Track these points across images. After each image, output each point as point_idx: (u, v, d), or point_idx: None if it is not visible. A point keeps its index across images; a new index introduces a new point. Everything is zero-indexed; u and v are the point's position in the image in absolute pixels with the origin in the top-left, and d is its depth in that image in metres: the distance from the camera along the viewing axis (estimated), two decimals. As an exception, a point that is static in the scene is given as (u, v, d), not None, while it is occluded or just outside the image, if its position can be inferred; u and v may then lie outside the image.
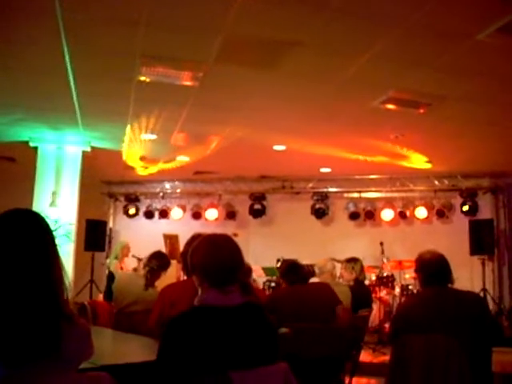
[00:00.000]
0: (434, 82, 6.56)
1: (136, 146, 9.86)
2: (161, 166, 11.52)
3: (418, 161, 10.83)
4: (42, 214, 2.17)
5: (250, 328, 2.54)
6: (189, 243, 4.11)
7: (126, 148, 10.01)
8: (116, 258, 9.96)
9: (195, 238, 3.90)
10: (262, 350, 2.52)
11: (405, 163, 10.93)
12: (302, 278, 5.74)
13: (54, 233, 2.14)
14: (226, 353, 2.42)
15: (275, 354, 2.54)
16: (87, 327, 2.11)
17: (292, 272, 5.76)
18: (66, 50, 5.76)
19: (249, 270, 6.56)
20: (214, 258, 2.60)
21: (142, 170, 11.92)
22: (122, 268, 9.65)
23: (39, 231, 2.08)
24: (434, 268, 4.05)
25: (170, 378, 2.39)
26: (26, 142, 9.67)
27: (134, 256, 9.64)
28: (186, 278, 4.39)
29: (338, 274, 8.39)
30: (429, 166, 11.19)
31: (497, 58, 5.78)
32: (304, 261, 8.27)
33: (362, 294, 7.51)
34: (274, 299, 5.75)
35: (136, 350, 4.22)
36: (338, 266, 8.67)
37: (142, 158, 10.97)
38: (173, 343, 2.44)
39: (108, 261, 11.68)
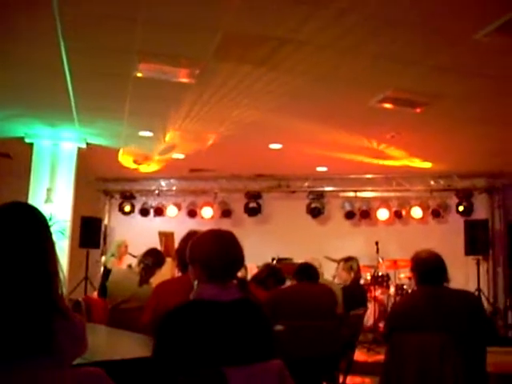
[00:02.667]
0: (431, 81, 6.55)
1: (132, 143, 9.85)
2: (156, 164, 11.49)
3: (415, 160, 10.84)
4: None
5: (246, 324, 2.53)
6: (184, 240, 4.11)
7: (122, 145, 9.99)
8: (113, 255, 9.93)
9: (191, 235, 3.92)
10: (257, 346, 2.51)
11: (402, 162, 10.93)
12: (310, 277, 5.77)
13: (50, 227, 2.13)
14: (220, 348, 2.41)
15: (270, 351, 2.54)
16: (82, 322, 2.10)
17: (302, 271, 5.82)
18: (62, 46, 5.74)
19: (244, 268, 6.59)
20: (216, 251, 2.60)
21: (141, 168, 11.90)
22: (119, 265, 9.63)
23: (35, 225, 2.06)
24: (429, 267, 4.05)
25: (165, 373, 2.38)
26: (22, 138, 9.64)
27: (129, 253, 9.63)
28: (180, 275, 4.38)
29: (332, 273, 8.43)
30: (428, 164, 11.19)
31: (494, 57, 5.77)
32: (299, 260, 8.30)
33: (357, 292, 7.53)
34: (276, 295, 5.78)
35: (130, 346, 4.21)
36: (329, 264, 8.70)
37: (136, 160, 10.97)
38: (168, 337, 2.44)
39: (103, 258, 11.67)
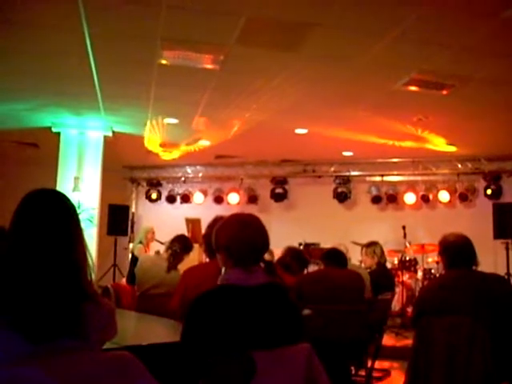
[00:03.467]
0: (458, 63, 6.45)
1: (158, 130, 9.88)
2: (183, 148, 11.53)
3: (441, 144, 10.72)
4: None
5: (273, 308, 2.53)
6: (211, 226, 4.12)
7: (148, 133, 10.04)
8: (140, 242, 10.00)
9: (217, 221, 3.91)
10: (284, 330, 2.51)
11: (429, 146, 10.83)
12: (339, 262, 5.78)
13: (78, 213, 2.15)
14: (248, 332, 2.42)
15: (298, 335, 2.53)
16: (111, 307, 2.12)
17: (331, 256, 5.83)
18: (86, 33, 5.77)
19: (271, 254, 6.60)
20: (240, 236, 2.59)
21: (164, 155, 11.95)
22: (147, 252, 9.70)
23: (64, 211, 2.08)
24: (458, 250, 4.00)
25: (194, 357, 2.39)
26: (49, 128, 9.74)
27: (156, 240, 9.70)
28: (208, 260, 4.40)
29: (359, 259, 8.42)
30: (453, 148, 11.07)
31: (523, 38, 5.67)
32: (326, 245, 8.29)
33: (384, 277, 7.50)
34: (304, 279, 5.79)
35: (159, 331, 4.24)
36: (356, 249, 8.68)
37: (163, 143, 10.99)
38: (197, 321, 2.45)
39: (131, 245, 11.77)
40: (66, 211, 2.09)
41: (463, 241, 4.05)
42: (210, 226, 4.14)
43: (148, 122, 9.32)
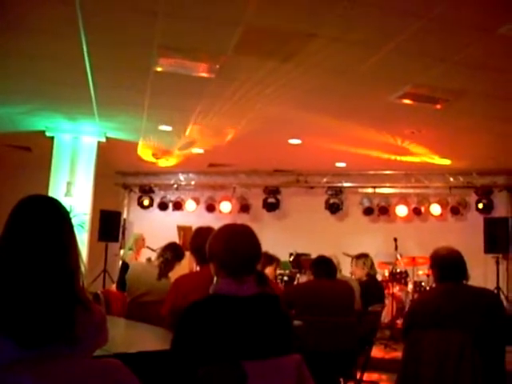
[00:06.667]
0: (453, 77, 6.49)
1: (151, 138, 9.88)
2: (175, 158, 11.53)
3: (434, 157, 10.77)
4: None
5: (264, 318, 2.53)
6: (197, 235, 4.23)
7: (141, 140, 10.04)
8: (130, 249, 9.98)
9: (200, 231, 4.10)
10: (275, 340, 2.51)
11: (425, 159, 10.86)
12: (329, 273, 5.76)
13: (71, 219, 2.15)
14: (239, 342, 2.42)
15: (289, 346, 2.54)
16: (103, 314, 2.12)
17: (321, 266, 5.81)
18: (83, 39, 5.77)
19: (274, 260, 6.61)
20: (232, 247, 2.59)
21: (160, 162, 11.94)
22: (137, 259, 9.67)
23: (57, 217, 2.08)
24: (449, 264, 4.02)
25: (184, 366, 2.39)
26: (43, 132, 9.72)
27: (147, 247, 9.67)
28: (198, 269, 4.40)
29: (350, 270, 8.42)
30: (448, 161, 11.10)
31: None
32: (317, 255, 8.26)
33: (374, 289, 7.51)
34: (295, 290, 5.79)
35: (149, 339, 4.23)
36: (347, 261, 8.68)
37: (156, 151, 11.00)
38: (187, 331, 2.44)
39: (122, 251, 11.73)
40: (59, 217, 2.08)
41: (454, 255, 4.07)
42: (197, 236, 4.25)
43: (141, 130, 9.31)
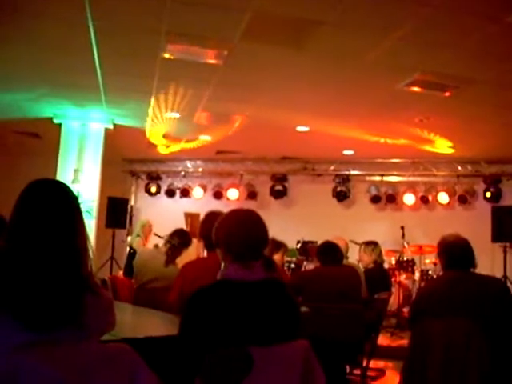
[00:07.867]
0: (462, 64, 6.44)
1: (159, 124, 9.88)
2: (183, 144, 11.53)
3: (442, 145, 10.72)
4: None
5: (272, 304, 2.53)
6: (207, 220, 4.19)
7: (149, 126, 10.03)
8: (138, 235, 10.02)
9: (211, 215, 4.04)
10: (282, 326, 2.52)
11: (428, 147, 10.83)
12: (335, 260, 5.77)
13: (80, 204, 2.15)
14: (246, 328, 2.43)
15: (296, 331, 2.54)
16: (110, 299, 2.13)
17: (327, 252, 5.81)
18: (91, 25, 5.75)
19: (281, 247, 6.60)
20: (239, 232, 2.60)
21: (164, 149, 11.94)
22: (145, 246, 9.71)
23: (66, 201, 2.09)
24: (457, 251, 4.01)
25: (191, 351, 2.40)
26: (50, 119, 9.72)
27: (155, 234, 9.70)
28: (206, 255, 4.41)
29: (356, 258, 8.43)
30: (451, 151, 11.07)
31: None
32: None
33: (381, 276, 7.52)
34: (302, 277, 5.79)
35: (156, 324, 4.25)
36: (354, 248, 8.68)
37: (165, 137, 10.98)
38: (194, 316, 2.45)
39: (129, 238, 11.77)
40: (68, 201, 2.09)
41: (462, 243, 4.06)
42: (207, 221, 4.19)
43: (149, 116, 9.30)
